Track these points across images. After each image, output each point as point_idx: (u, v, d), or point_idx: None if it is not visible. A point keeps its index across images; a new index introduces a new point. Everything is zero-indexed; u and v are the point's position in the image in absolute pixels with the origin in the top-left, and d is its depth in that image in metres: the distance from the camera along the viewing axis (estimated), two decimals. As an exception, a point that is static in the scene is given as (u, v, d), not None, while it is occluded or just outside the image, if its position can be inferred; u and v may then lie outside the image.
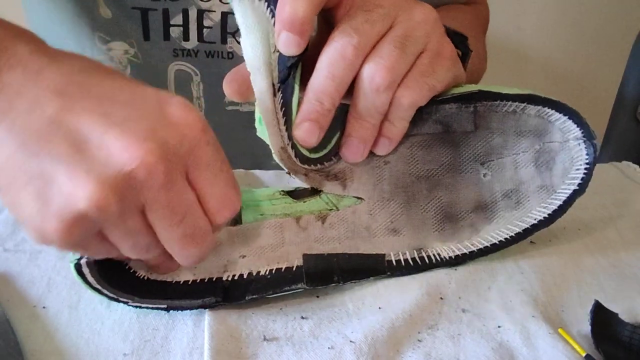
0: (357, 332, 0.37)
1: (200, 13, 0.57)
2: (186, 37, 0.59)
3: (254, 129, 0.37)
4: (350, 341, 0.36)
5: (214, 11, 0.57)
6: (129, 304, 0.38)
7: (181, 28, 0.58)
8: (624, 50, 1.02)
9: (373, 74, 0.36)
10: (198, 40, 0.59)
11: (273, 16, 0.37)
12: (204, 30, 0.58)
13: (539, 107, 0.41)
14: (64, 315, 0.39)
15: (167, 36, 0.58)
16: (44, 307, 0.39)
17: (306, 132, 0.37)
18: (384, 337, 0.37)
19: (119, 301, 0.38)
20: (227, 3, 0.52)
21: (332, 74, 0.36)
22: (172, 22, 0.58)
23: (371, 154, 0.41)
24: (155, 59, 0.60)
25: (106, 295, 0.38)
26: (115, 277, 0.38)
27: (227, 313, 0.39)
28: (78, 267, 0.36)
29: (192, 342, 0.37)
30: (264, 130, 0.38)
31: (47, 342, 0.37)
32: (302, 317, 0.39)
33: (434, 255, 0.42)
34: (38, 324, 0.38)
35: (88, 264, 0.36)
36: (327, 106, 0.37)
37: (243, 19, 0.36)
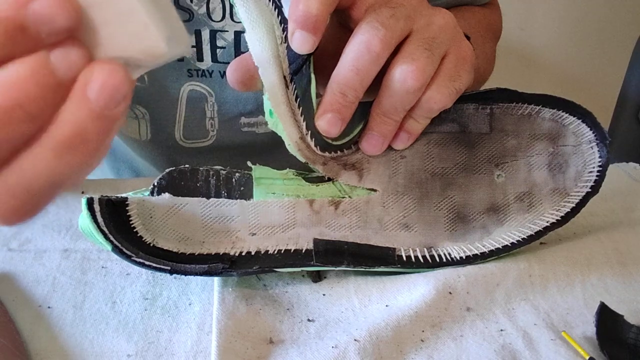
0: (363, 329, 0.37)
1: (213, 33, 0.57)
2: (200, 58, 0.58)
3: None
4: (355, 340, 0.36)
5: (227, 31, 0.57)
6: (133, 258, 0.37)
7: (194, 48, 0.58)
8: (626, 51, 1.02)
9: (406, 75, 0.36)
10: (212, 61, 0.58)
11: (276, 8, 0.37)
12: (218, 50, 0.58)
13: (554, 111, 0.41)
14: (69, 315, 0.39)
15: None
16: (48, 307, 0.39)
17: (328, 123, 0.37)
18: (389, 337, 0.37)
19: (122, 253, 0.37)
20: (240, 22, 0.51)
21: (357, 67, 0.35)
22: None
23: (388, 147, 0.41)
24: (170, 79, 0.59)
25: (111, 243, 0.37)
26: (123, 232, 0.37)
27: (236, 307, 0.39)
28: (90, 202, 0.36)
29: (196, 345, 0.37)
30: (277, 122, 0.37)
31: (52, 342, 0.37)
32: (309, 320, 0.39)
33: (444, 254, 0.42)
34: (43, 324, 0.38)
35: (100, 200, 0.36)
36: (350, 99, 0.36)
37: (247, 13, 0.36)
